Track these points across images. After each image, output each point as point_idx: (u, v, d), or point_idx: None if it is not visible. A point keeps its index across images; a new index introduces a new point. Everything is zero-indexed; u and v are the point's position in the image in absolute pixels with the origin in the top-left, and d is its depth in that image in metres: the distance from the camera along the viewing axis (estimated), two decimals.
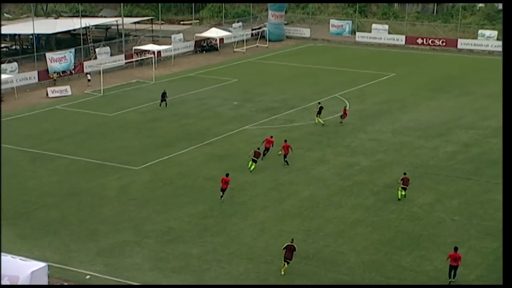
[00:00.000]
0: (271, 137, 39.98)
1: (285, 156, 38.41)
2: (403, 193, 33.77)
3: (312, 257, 27.83)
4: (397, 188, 34.02)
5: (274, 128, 45.99)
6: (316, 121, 46.91)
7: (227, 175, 33.61)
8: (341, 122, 46.60)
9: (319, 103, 48.39)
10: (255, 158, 37.30)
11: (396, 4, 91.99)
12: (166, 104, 51.05)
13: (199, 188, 35.31)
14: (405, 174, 34.58)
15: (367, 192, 34.91)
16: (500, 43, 73.87)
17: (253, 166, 37.29)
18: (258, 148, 38.15)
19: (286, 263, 26.19)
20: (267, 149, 39.22)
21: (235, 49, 75.98)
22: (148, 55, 65.24)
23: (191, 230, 30.38)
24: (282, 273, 26.29)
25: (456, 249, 26.14)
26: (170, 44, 70.97)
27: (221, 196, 33.39)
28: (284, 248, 26.37)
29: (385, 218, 31.59)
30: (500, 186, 34.78)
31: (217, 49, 75.11)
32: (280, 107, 51.66)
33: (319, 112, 46.88)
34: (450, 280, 25.66)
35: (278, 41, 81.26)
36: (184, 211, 32.37)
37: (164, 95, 51.31)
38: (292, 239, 26.93)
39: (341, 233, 30.11)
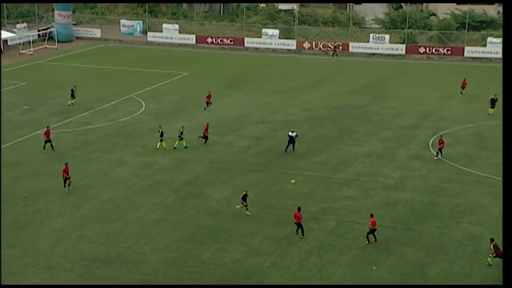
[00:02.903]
0: (48, 127, 41.56)
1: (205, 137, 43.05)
2: (176, 143, 41.72)
3: (114, 260, 27.65)
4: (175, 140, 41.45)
5: (69, 132, 44.67)
6: (69, 102, 51.22)
7: (66, 164, 35.06)
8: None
9: (74, 86, 52.11)
10: (162, 138, 41.77)
11: (184, 4, 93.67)
12: None
13: None
14: (183, 127, 42.07)
15: (166, 190, 35.41)
16: (282, 41, 78.62)
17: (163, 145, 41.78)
18: (160, 126, 42.81)
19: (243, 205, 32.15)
20: (48, 140, 40.61)
21: (22, 51, 72.14)
22: None
23: None
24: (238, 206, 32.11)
25: (299, 209, 29.56)
26: None
27: (64, 185, 34.79)
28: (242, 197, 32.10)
29: (185, 215, 32.31)
30: (289, 177, 37.38)
31: (1, 51, 70.74)
32: (74, 109, 50.23)
33: (72, 94, 51.34)
34: (301, 236, 29.57)
35: (67, 42, 78.66)
36: None
37: None
38: (245, 187, 32.83)
39: (142, 233, 30.26)
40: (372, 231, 28.76)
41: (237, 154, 41.36)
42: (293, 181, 30.19)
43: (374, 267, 26.89)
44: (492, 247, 26.74)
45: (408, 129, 46.32)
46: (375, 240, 28.85)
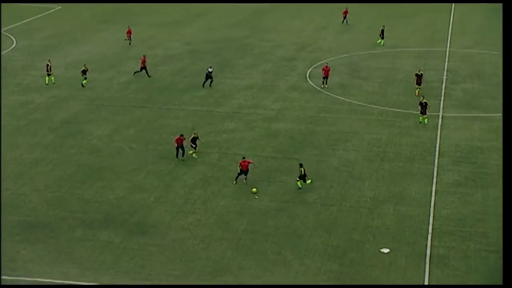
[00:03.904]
0: None
1: None
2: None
3: None
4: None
5: None
6: None
7: None
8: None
9: None
10: (49, 72, 40.76)
11: None
12: None
13: None
14: (85, 65, 40.71)
15: (45, 129, 34.36)
16: None
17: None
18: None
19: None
20: None
21: None
22: None
23: None
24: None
25: (181, 135, 30.75)
26: None
27: None
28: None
29: (65, 154, 31.61)
30: (171, 112, 37.35)
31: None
32: None
33: None
34: (179, 158, 30.84)
35: None
36: None
37: None
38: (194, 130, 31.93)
39: (20, 174, 29.37)
40: (242, 173, 28.89)
41: (118, 91, 40.61)
42: (254, 189, 28.57)
43: (256, 197, 27.80)
44: (300, 171, 28.25)
45: (286, 60, 47.26)
46: (245, 180, 28.87)
